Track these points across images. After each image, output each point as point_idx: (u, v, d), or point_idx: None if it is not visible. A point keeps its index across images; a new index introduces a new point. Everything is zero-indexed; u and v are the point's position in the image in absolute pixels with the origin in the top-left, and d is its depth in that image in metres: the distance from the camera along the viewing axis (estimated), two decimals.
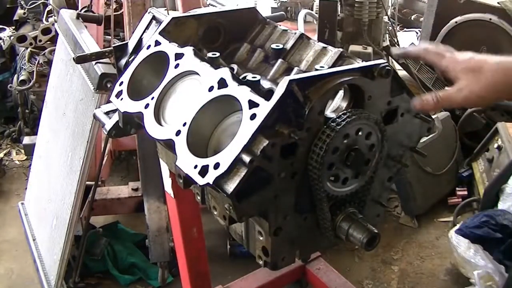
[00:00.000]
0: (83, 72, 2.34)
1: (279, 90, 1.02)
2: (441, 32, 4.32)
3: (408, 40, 4.88)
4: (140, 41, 1.51)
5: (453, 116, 3.68)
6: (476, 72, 1.15)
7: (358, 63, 1.23)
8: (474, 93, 1.15)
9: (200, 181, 1.03)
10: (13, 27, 4.48)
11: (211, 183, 1.02)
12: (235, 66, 1.33)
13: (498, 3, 4.04)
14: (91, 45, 2.34)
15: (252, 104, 1.05)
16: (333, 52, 1.34)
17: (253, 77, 1.16)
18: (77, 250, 2.75)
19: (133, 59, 1.40)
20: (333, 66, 1.31)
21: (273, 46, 1.42)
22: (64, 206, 2.56)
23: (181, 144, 1.12)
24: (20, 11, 4.44)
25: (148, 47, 1.38)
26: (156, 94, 1.27)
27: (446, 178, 3.55)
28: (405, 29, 5.71)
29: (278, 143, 1.02)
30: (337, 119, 1.07)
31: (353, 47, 3.62)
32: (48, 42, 3.81)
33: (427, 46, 1.26)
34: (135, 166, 3.51)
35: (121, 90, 1.35)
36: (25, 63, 3.88)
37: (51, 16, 3.77)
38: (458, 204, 3.38)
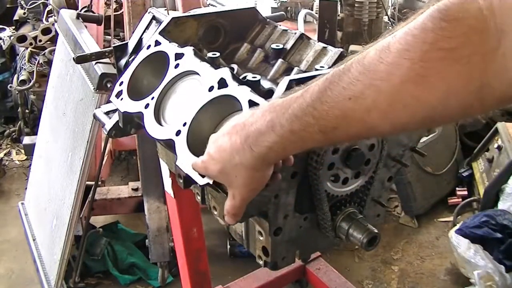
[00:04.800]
0: (83, 72, 2.34)
1: (279, 90, 1.02)
2: None
3: None
4: (140, 41, 1.51)
5: None
6: (224, 174, 0.92)
7: None
8: (244, 189, 0.92)
9: (200, 181, 1.03)
10: (13, 27, 4.48)
11: (211, 183, 1.02)
12: (235, 66, 1.33)
13: None
14: (91, 45, 2.34)
15: (252, 104, 1.05)
16: (333, 52, 1.34)
17: (253, 77, 1.16)
18: (77, 250, 2.75)
19: (133, 59, 1.40)
20: (333, 66, 1.30)
21: (273, 46, 1.41)
22: (64, 206, 2.56)
23: (181, 144, 1.12)
24: (20, 11, 4.43)
25: (148, 47, 1.38)
26: (156, 94, 1.26)
27: (446, 178, 3.55)
28: None
29: None
30: None
31: (353, 47, 3.63)
32: (48, 42, 3.80)
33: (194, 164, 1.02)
34: (135, 166, 3.51)
35: (121, 90, 1.35)
36: (25, 63, 3.88)
37: (51, 16, 3.76)
38: (458, 204, 3.38)
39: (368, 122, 0.75)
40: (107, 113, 1.55)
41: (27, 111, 4.17)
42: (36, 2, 4.19)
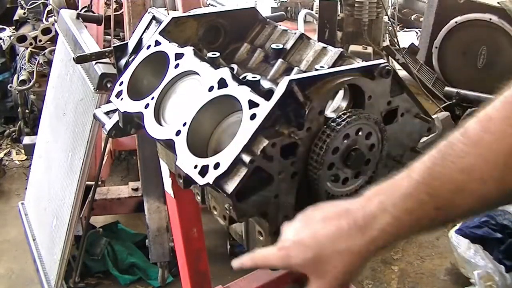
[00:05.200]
0: (83, 72, 2.34)
1: (279, 90, 1.02)
2: (441, 32, 4.33)
3: (408, 40, 4.87)
4: (140, 41, 1.51)
5: (453, 116, 3.68)
6: (317, 262, 0.86)
7: (358, 63, 1.23)
8: (338, 279, 0.86)
9: (200, 181, 1.03)
10: (13, 27, 4.48)
11: (211, 183, 1.02)
12: (235, 66, 1.33)
13: (498, 3, 4.04)
14: (91, 45, 2.34)
15: (252, 104, 1.05)
16: (333, 52, 1.34)
17: (253, 77, 1.16)
18: (77, 250, 2.75)
19: (133, 59, 1.40)
20: (333, 66, 1.30)
21: (273, 46, 1.41)
22: (64, 206, 2.56)
23: (181, 144, 1.12)
24: (20, 11, 4.43)
25: (148, 47, 1.38)
26: (156, 94, 1.27)
27: None
28: (405, 29, 5.71)
29: (278, 143, 1.02)
30: (337, 119, 1.07)
31: (353, 47, 3.63)
32: (48, 42, 3.80)
33: (252, 257, 0.97)
34: (135, 166, 3.51)
35: (121, 90, 1.35)
36: (25, 63, 3.87)
37: (51, 16, 3.76)
38: None
39: (482, 193, 0.77)
40: (107, 113, 1.55)
41: (27, 111, 4.17)
42: (36, 2, 4.18)
